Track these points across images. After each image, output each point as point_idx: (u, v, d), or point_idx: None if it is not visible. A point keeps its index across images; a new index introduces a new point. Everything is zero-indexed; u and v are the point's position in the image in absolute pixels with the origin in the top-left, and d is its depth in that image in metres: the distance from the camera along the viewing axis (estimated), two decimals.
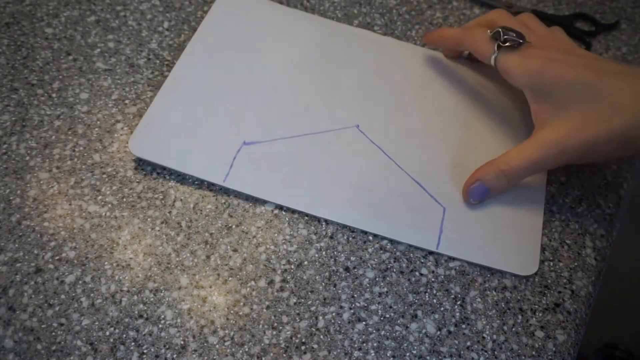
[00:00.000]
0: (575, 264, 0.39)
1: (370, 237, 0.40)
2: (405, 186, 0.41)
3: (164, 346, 0.35)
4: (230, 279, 0.38)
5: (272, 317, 0.36)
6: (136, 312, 0.36)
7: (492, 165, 0.39)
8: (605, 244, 0.41)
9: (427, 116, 0.45)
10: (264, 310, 0.37)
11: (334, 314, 0.37)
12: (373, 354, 0.35)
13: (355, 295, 0.37)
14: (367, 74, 0.47)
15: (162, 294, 0.36)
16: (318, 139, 0.43)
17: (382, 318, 0.37)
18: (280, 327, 0.36)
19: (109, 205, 0.40)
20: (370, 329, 0.36)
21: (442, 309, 0.37)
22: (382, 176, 0.42)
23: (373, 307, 0.37)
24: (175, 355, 0.34)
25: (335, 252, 0.39)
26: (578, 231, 0.41)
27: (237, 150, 0.42)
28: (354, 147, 0.43)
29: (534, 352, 0.36)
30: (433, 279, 0.38)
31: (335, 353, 0.35)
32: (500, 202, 0.41)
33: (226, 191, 0.41)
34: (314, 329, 0.36)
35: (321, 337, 0.36)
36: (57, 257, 0.38)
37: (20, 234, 0.38)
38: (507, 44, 0.39)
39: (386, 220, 0.40)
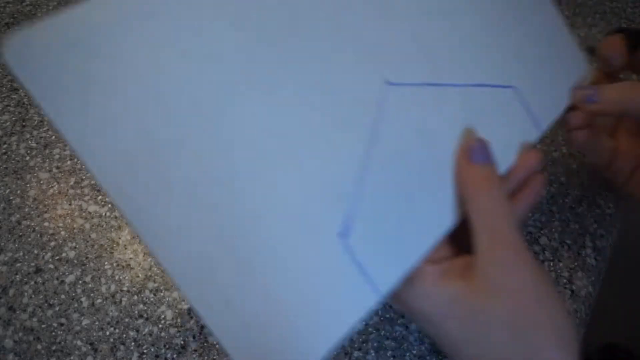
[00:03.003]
0: (575, 264, 0.39)
1: None
2: None
3: (164, 346, 0.35)
4: None
5: None
6: (136, 312, 0.36)
7: None
8: (605, 244, 0.41)
9: None
10: None
11: None
12: (373, 354, 0.35)
13: None
14: None
15: (162, 294, 0.36)
16: None
17: (382, 318, 0.37)
18: None
19: (109, 205, 0.40)
20: (370, 329, 0.36)
21: None
22: None
23: None
24: (175, 355, 0.34)
25: None
26: (578, 231, 0.41)
27: None
28: None
29: None
30: None
31: (335, 353, 0.35)
32: None
33: None
34: None
35: None
36: (57, 257, 0.38)
37: (20, 233, 0.38)
38: None
39: None
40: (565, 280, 0.38)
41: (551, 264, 0.39)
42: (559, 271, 0.39)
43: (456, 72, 0.32)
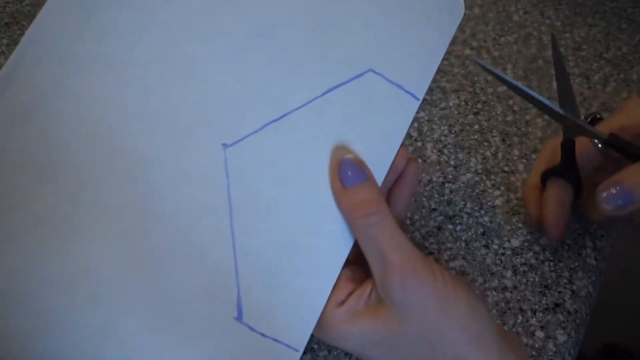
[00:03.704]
0: (575, 264, 0.39)
1: None
2: None
3: None
4: None
5: None
6: None
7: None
8: (605, 244, 0.41)
9: None
10: None
11: None
12: None
13: None
14: None
15: None
16: None
17: None
18: None
19: None
20: None
21: None
22: None
23: None
24: None
25: None
26: (578, 231, 0.41)
27: None
28: None
29: (534, 352, 0.36)
30: None
31: (335, 353, 0.35)
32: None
33: None
34: None
35: None
36: None
37: None
38: None
39: None
40: (565, 280, 0.38)
41: (551, 264, 0.39)
42: (559, 271, 0.39)
43: (300, 91, 0.29)
